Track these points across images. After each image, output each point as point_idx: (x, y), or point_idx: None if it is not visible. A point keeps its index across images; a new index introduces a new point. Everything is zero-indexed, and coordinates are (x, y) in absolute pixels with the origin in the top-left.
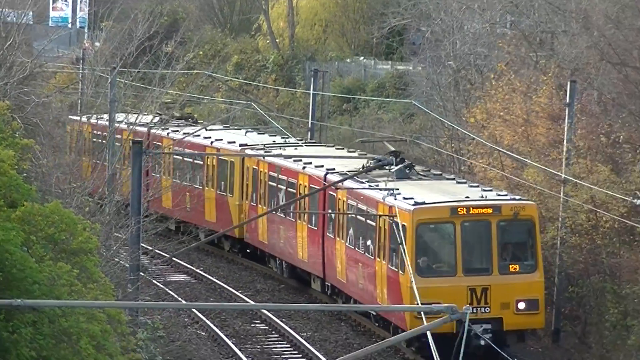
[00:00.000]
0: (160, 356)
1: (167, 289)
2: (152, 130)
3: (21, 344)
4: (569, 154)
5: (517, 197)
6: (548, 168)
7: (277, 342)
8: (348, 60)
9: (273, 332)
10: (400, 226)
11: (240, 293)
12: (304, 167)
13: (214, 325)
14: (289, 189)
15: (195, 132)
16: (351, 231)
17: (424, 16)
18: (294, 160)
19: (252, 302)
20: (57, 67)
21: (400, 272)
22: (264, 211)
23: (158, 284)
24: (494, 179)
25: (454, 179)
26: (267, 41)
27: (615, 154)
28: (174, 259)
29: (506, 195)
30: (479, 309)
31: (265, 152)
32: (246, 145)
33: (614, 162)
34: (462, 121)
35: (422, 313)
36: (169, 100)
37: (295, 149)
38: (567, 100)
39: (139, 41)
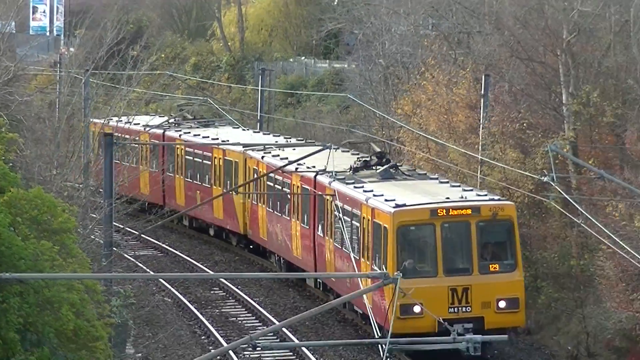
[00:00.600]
0: (132, 320)
1: (137, 262)
2: (167, 132)
3: (10, 312)
4: (485, 138)
5: (496, 198)
6: (467, 151)
7: (233, 307)
8: (291, 60)
9: (230, 298)
10: (381, 228)
11: (201, 264)
12: (296, 168)
13: (178, 292)
14: (284, 189)
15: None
16: (339, 232)
17: (357, 20)
18: (289, 161)
19: (211, 272)
20: (37, 70)
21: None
22: (264, 211)
23: (129, 257)
24: (421, 161)
25: (437, 178)
26: (220, 45)
27: (524, 138)
28: (142, 235)
29: (485, 195)
30: (460, 308)
31: (265, 152)
32: (248, 146)
33: (523, 145)
34: (391, 111)
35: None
36: (135, 98)
37: (294, 149)
38: (482, 92)
39: (109, 46)
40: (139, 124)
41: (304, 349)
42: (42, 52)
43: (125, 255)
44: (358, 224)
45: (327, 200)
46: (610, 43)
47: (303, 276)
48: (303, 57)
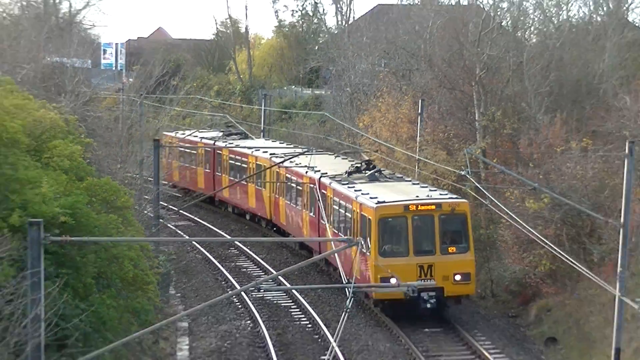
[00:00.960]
0: (173, 270)
1: (176, 230)
2: (217, 143)
3: (88, 265)
4: (421, 144)
5: (455, 197)
6: (408, 152)
7: (244, 261)
8: (285, 88)
9: (242, 255)
10: (367, 219)
11: (222, 232)
12: (306, 172)
13: (206, 251)
14: (297, 187)
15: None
16: (336, 221)
17: (331, 60)
18: (301, 166)
19: (228, 237)
20: (106, 94)
21: (368, 253)
22: (284, 202)
23: (171, 226)
24: (376, 159)
25: (410, 181)
26: (235, 77)
27: (448, 144)
28: (180, 211)
29: (446, 194)
30: (426, 280)
31: (284, 158)
32: (274, 154)
33: (448, 149)
34: (355, 125)
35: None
36: (175, 114)
37: (306, 156)
38: (419, 111)
39: (156, 78)
40: (197, 136)
41: (294, 290)
42: (109, 81)
43: (168, 225)
44: (350, 215)
45: (328, 195)
46: (509, 77)
47: (292, 240)
48: (293, 86)
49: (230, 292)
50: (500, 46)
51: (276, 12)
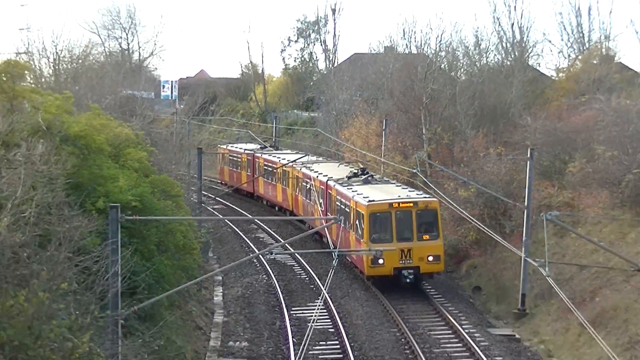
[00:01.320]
0: (211, 240)
1: (213, 211)
2: (255, 153)
3: (151, 235)
4: (385, 150)
5: (428, 196)
6: (376, 157)
7: (261, 234)
8: (289, 111)
9: (259, 229)
10: (361, 214)
11: (246, 212)
12: (317, 176)
13: (234, 226)
14: (310, 187)
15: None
16: (338, 213)
17: (321, 92)
18: (314, 171)
19: (249, 216)
20: (165, 116)
21: (362, 240)
22: (301, 198)
23: (210, 209)
24: (354, 162)
25: (394, 183)
26: (254, 104)
27: (404, 150)
28: (217, 198)
29: (421, 194)
30: (406, 261)
31: (301, 165)
32: (294, 162)
33: (404, 153)
34: (339, 137)
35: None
36: (213, 130)
37: (318, 164)
38: (384, 128)
39: (199, 105)
40: (242, 148)
41: (296, 254)
42: (166, 107)
43: (208, 208)
44: (348, 210)
45: (332, 194)
46: (446, 104)
47: (294, 219)
48: (295, 110)
49: (251, 255)
50: (440, 82)
51: (283, 58)
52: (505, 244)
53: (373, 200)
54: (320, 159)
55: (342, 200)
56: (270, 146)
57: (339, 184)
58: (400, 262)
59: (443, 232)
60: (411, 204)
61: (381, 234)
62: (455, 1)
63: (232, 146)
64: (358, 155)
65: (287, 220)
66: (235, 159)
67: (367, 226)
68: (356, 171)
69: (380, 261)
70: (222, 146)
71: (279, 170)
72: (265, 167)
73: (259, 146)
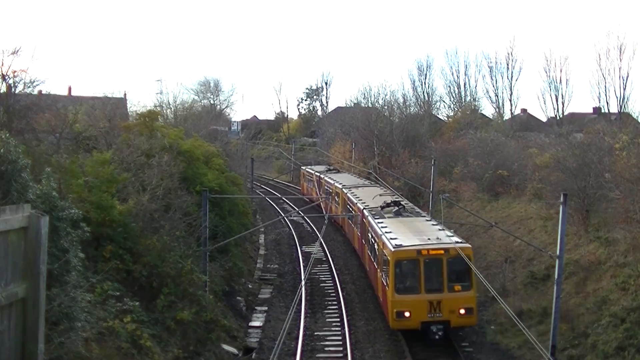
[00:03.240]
0: (257, 208)
1: (260, 193)
2: (321, 175)
3: (225, 206)
4: (354, 160)
5: (460, 241)
6: (349, 163)
7: (287, 205)
8: (302, 138)
9: (285, 204)
10: (387, 260)
11: (277, 193)
12: (357, 202)
13: (272, 202)
14: (351, 211)
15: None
16: (370, 246)
17: (319, 128)
18: (356, 196)
19: (279, 195)
20: (232, 141)
21: (387, 288)
22: (347, 221)
23: (258, 192)
24: (342, 168)
25: (425, 217)
26: (282, 134)
27: (365, 160)
28: (262, 186)
29: (452, 236)
30: (435, 314)
31: (347, 188)
32: (342, 184)
33: (364, 162)
34: (329, 152)
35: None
36: (260, 149)
37: (363, 188)
38: (353, 147)
39: (252, 134)
40: (314, 170)
41: (305, 217)
42: (235, 136)
43: (256, 191)
44: (376, 247)
45: (366, 225)
46: (387, 134)
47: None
48: (305, 137)
49: (280, 217)
50: (384, 122)
51: (298, 109)
52: (420, 211)
53: (400, 246)
54: (367, 182)
55: (373, 234)
56: (332, 169)
57: (372, 214)
58: (429, 315)
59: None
60: (442, 251)
61: (408, 284)
62: (393, 75)
63: (309, 168)
64: (339, 162)
65: (303, 201)
66: (310, 178)
67: (392, 275)
68: (389, 203)
69: (407, 314)
70: (302, 168)
71: (333, 192)
72: (326, 188)
73: (325, 168)
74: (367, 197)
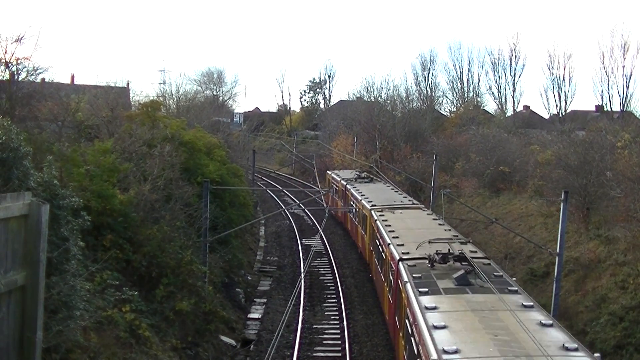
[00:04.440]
0: (258, 200)
1: (261, 185)
2: (347, 184)
3: (226, 197)
4: (355, 154)
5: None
6: (351, 157)
7: (287, 198)
8: (304, 131)
9: (286, 196)
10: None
11: (285, 190)
12: (389, 244)
13: (272, 194)
14: (380, 248)
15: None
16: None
17: (321, 121)
18: (388, 228)
19: (280, 187)
20: (235, 132)
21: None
22: (374, 260)
23: (259, 183)
24: (343, 160)
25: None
26: (285, 126)
27: (366, 154)
28: (263, 177)
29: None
30: None
31: (385, 213)
32: (373, 202)
33: (366, 156)
34: (330, 146)
35: None
36: (262, 140)
37: (401, 212)
38: (355, 141)
39: (255, 126)
40: (340, 177)
41: (306, 210)
42: (237, 127)
43: (257, 182)
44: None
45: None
46: (389, 129)
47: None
48: (307, 130)
49: (281, 209)
50: (386, 117)
51: (301, 101)
52: (422, 205)
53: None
54: (407, 200)
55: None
56: (363, 177)
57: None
58: None
59: None
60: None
61: None
62: (396, 70)
63: (335, 174)
64: (341, 155)
65: (304, 194)
66: (335, 186)
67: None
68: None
69: None
70: (329, 172)
71: (359, 213)
72: (352, 203)
73: (354, 175)
74: (410, 233)
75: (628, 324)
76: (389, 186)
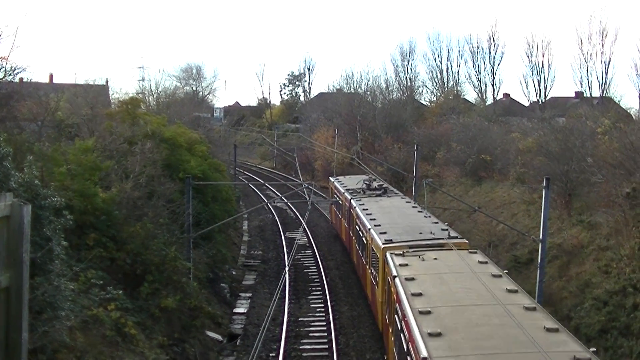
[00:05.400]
0: (240, 194)
1: (243, 180)
2: (352, 199)
3: (208, 193)
4: (337, 144)
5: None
6: (331, 149)
7: (270, 191)
8: (284, 124)
9: (268, 189)
10: (376, 254)
11: (260, 179)
12: (386, 253)
13: (255, 188)
14: (372, 256)
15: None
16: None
17: (302, 113)
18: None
19: (262, 181)
20: (215, 127)
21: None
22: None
23: (241, 178)
24: (326, 152)
25: (399, 194)
26: (265, 120)
27: (348, 145)
28: (245, 172)
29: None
30: None
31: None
32: (386, 235)
33: (347, 147)
34: (312, 138)
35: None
36: (243, 135)
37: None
38: (336, 132)
39: (235, 120)
40: (345, 186)
41: (289, 203)
42: (217, 122)
43: (239, 177)
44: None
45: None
46: (370, 120)
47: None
48: (288, 123)
49: (263, 203)
50: (366, 108)
51: (281, 94)
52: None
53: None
54: (440, 229)
55: (359, 224)
56: (375, 187)
57: (357, 202)
58: None
59: None
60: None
61: None
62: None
63: (338, 181)
64: (322, 148)
65: (287, 186)
66: (338, 199)
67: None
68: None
69: None
70: (331, 179)
71: (367, 245)
72: (357, 227)
73: (364, 184)
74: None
75: (612, 308)
76: (409, 202)
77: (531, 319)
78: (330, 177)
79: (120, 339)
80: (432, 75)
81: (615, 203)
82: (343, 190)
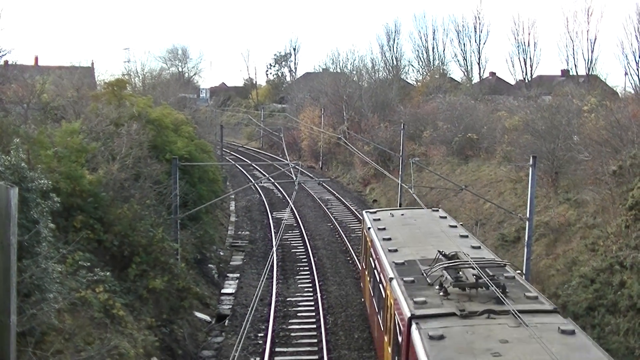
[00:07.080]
0: (227, 175)
1: (230, 160)
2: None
3: (195, 174)
4: (324, 125)
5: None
6: (319, 129)
7: (257, 172)
8: (271, 104)
9: (256, 170)
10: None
11: (247, 160)
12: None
13: (241, 168)
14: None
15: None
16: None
17: (288, 93)
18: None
19: (249, 162)
20: (201, 108)
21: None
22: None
23: (228, 158)
24: (312, 132)
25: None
26: (251, 100)
27: (334, 125)
28: (232, 152)
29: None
30: None
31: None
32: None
33: (334, 127)
34: (298, 118)
35: None
36: (229, 115)
37: None
38: (322, 112)
39: (222, 101)
40: (379, 224)
41: (276, 183)
42: (203, 103)
43: (226, 158)
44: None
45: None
46: (356, 99)
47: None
48: (274, 103)
49: (250, 183)
50: (352, 87)
51: (267, 74)
52: (389, 176)
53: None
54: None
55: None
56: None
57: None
58: None
59: (354, 169)
60: None
61: None
62: (361, 40)
63: (375, 218)
64: (308, 128)
65: (274, 167)
66: (376, 271)
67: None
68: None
69: None
70: (366, 214)
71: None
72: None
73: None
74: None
75: (599, 285)
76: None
77: (456, 234)
78: (364, 212)
79: (109, 320)
80: (418, 54)
81: (601, 181)
82: (376, 239)
